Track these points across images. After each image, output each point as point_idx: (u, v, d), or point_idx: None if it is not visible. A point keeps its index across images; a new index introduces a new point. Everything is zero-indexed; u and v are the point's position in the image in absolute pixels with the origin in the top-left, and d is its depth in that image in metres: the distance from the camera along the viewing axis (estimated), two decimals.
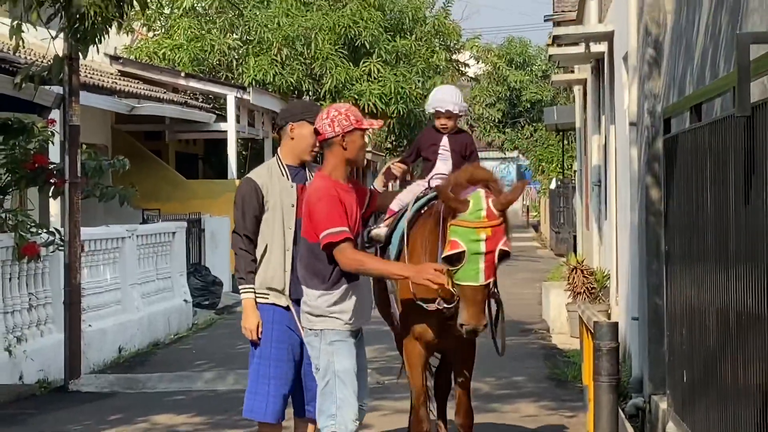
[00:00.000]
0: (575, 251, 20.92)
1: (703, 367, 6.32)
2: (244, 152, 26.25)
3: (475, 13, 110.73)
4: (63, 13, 9.94)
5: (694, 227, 6.56)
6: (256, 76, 23.70)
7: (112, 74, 21.39)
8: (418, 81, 25.53)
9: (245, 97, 22.10)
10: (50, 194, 12.23)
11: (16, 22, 9.61)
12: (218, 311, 18.31)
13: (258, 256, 6.60)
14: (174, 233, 16.70)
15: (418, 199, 6.83)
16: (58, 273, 12.18)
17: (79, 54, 11.36)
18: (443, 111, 7.11)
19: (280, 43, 23.95)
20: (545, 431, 9.05)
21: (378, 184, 6.96)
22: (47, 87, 12.25)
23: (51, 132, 12.24)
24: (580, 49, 16.32)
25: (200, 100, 24.30)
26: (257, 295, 6.61)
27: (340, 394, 5.98)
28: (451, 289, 5.92)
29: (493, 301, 6.37)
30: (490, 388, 10.93)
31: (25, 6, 9.47)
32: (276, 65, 23.94)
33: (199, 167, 26.57)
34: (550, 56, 18.94)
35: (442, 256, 5.92)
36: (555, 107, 31.17)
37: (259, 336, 6.59)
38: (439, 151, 7.14)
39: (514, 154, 48.53)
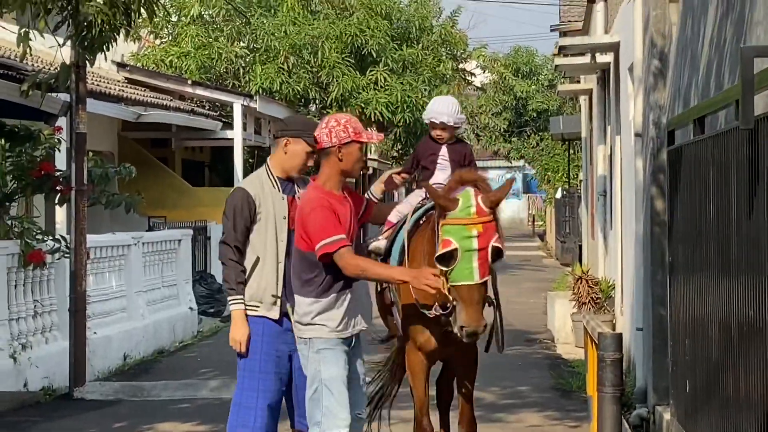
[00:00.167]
0: (581, 261, 20.91)
1: (706, 377, 6.32)
2: (250, 160, 26.24)
3: (482, 22, 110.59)
4: (70, 20, 10.00)
5: (698, 238, 6.58)
6: (262, 84, 23.71)
7: (119, 82, 21.41)
8: (425, 90, 25.49)
9: (252, 105, 22.09)
10: (56, 201, 12.27)
11: (23, 29, 9.66)
12: (223, 319, 18.27)
13: (248, 268, 6.50)
14: (180, 241, 16.72)
15: (416, 209, 6.84)
16: (63, 280, 12.19)
17: (86, 61, 11.40)
18: (437, 122, 7.13)
19: (287, 51, 23.96)
20: None
21: (376, 190, 6.98)
22: (54, 94, 12.26)
23: (57, 139, 12.24)
24: (586, 59, 16.32)
25: (207, 107, 24.31)
26: (247, 307, 6.49)
27: (326, 402, 6.00)
28: (447, 293, 5.94)
29: (488, 305, 6.37)
30: (495, 398, 10.93)
31: (32, 14, 9.52)
32: (283, 73, 23.96)
33: (205, 175, 26.58)
34: (557, 66, 18.96)
35: (436, 255, 5.95)
36: (561, 117, 31.13)
37: (248, 348, 6.48)
38: (438, 161, 7.15)
39: (520, 163, 48.50)
